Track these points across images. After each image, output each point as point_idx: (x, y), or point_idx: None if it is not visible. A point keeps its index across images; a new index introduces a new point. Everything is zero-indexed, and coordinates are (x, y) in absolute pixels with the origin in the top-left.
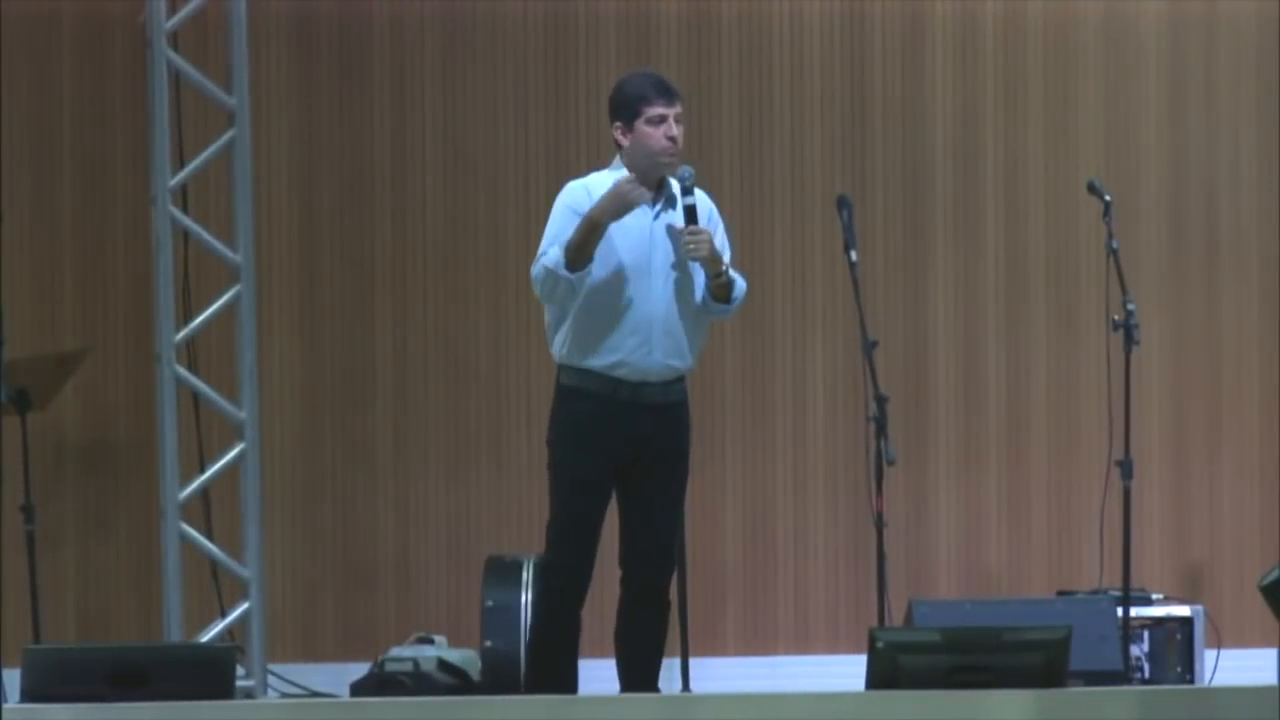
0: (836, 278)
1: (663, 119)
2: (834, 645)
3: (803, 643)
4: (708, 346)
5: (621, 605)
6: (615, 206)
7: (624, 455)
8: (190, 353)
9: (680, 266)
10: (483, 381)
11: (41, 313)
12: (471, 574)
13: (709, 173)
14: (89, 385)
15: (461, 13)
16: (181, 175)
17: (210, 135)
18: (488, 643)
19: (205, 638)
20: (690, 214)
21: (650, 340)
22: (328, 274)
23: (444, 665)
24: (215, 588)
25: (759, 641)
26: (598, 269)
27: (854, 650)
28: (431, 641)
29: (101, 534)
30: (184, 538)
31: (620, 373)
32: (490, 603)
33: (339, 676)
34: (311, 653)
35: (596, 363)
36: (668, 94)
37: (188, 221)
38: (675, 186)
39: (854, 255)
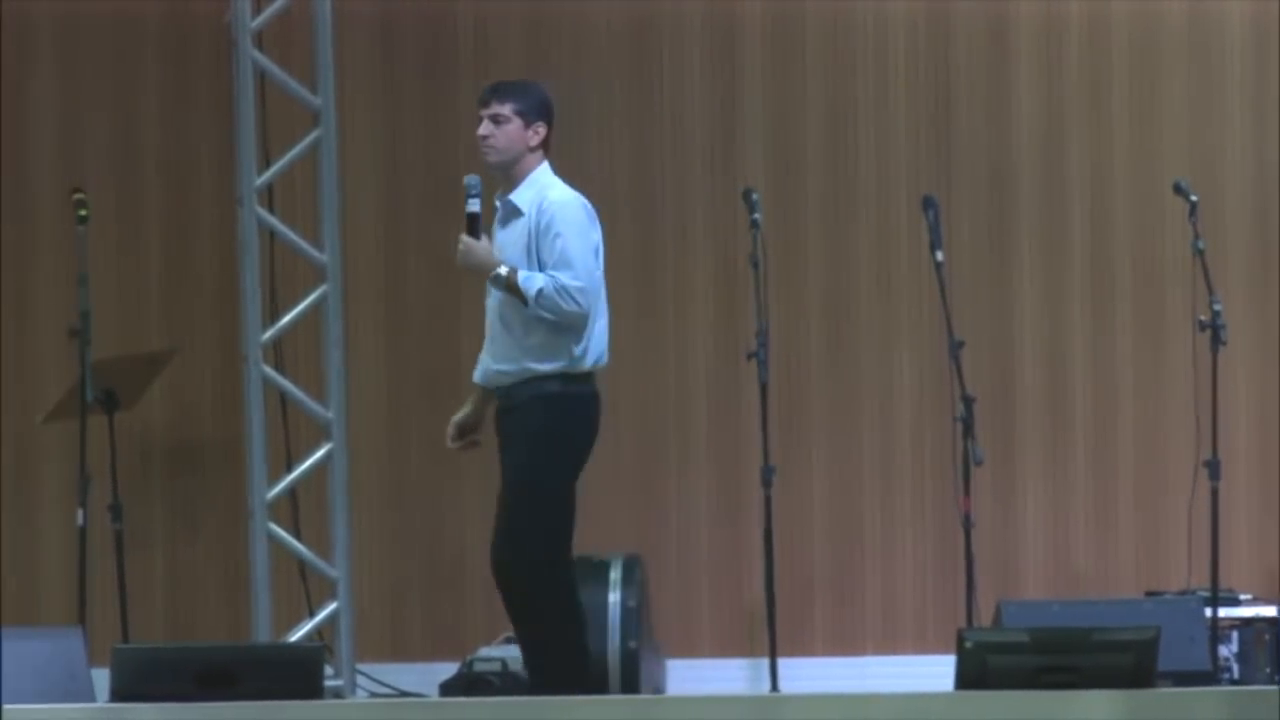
0: (922, 278)
1: (479, 120)
2: (922, 645)
3: (891, 643)
4: (793, 344)
5: None
6: None
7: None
8: (277, 352)
9: None
10: None
11: (128, 313)
12: None
13: (793, 173)
14: (176, 385)
15: (545, 12)
16: (267, 175)
17: (296, 135)
18: None
19: (293, 637)
20: (468, 222)
21: (489, 347)
22: (413, 273)
23: None
24: (303, 587)
25: (847, 642)
26: None
27: (942, 650)
28: None
29: (189, 534)
30: (272, 538)
31: (481, 380)
32: None
33: (427, 676)
34: (400, 652)
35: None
36: (485, 94)
37: (274, 221)
38: (513, 194)
39: (940, 256)
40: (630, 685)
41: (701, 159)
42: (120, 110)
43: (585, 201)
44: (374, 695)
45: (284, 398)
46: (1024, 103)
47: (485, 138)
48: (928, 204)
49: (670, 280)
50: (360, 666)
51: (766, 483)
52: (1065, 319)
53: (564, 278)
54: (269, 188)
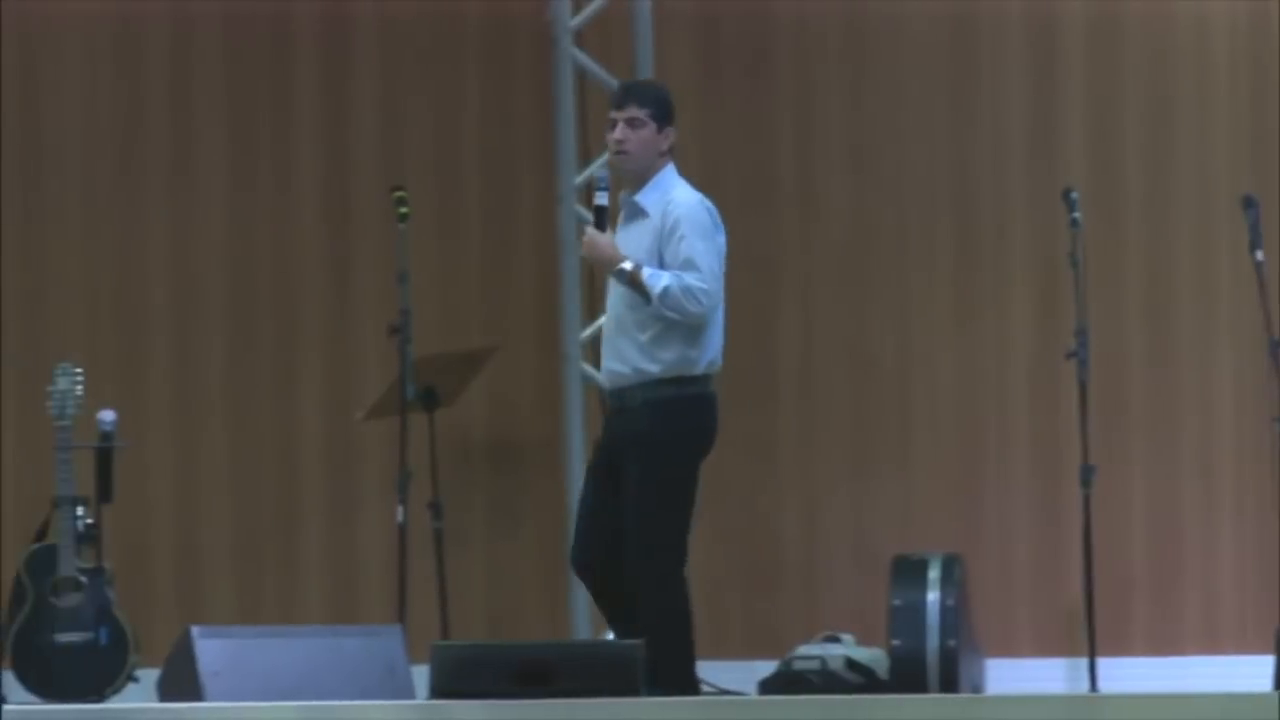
0: (1242, 278)
1: (612, 124)
2: (1243, 645)
3: (1211, 642)
4: (1112, 343)
5: None
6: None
7: (608, 461)
8: (596, 351)
9: None
10: (887, 380)
11: (448, 311)
12: (878, 573)
13: (1113, 172)
14: (495, 383)
15: (864, 11)
16: (586, 173)
17: None
18: (895, 641)
19: (612, 635)
20: (597, 214)
21: (605, 347)
22: (731, 272)
23: (851, 664)
24: None
25: (1167, 641)
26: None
27: (1263, 650)
28: (839, 640)
29: (509, 531)
30: None
31: (601, 381)
32: (897, 601)
33: (746, 674)
34: (719, 650)
35: None
36: (620, 96)
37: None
38: (638, 195)
39: (1260, 255)
40: (949, 684)
41: (1020, 158)
42: (440, 108)
43: (709, 204)
44: None
45: (602, 396)
46: None
47: (621, 142)
48: (1248, 203)
49: (990, 279)
50: None
51: (1085, 482)
52: None
53: (690, 278)
54: (588, 185)
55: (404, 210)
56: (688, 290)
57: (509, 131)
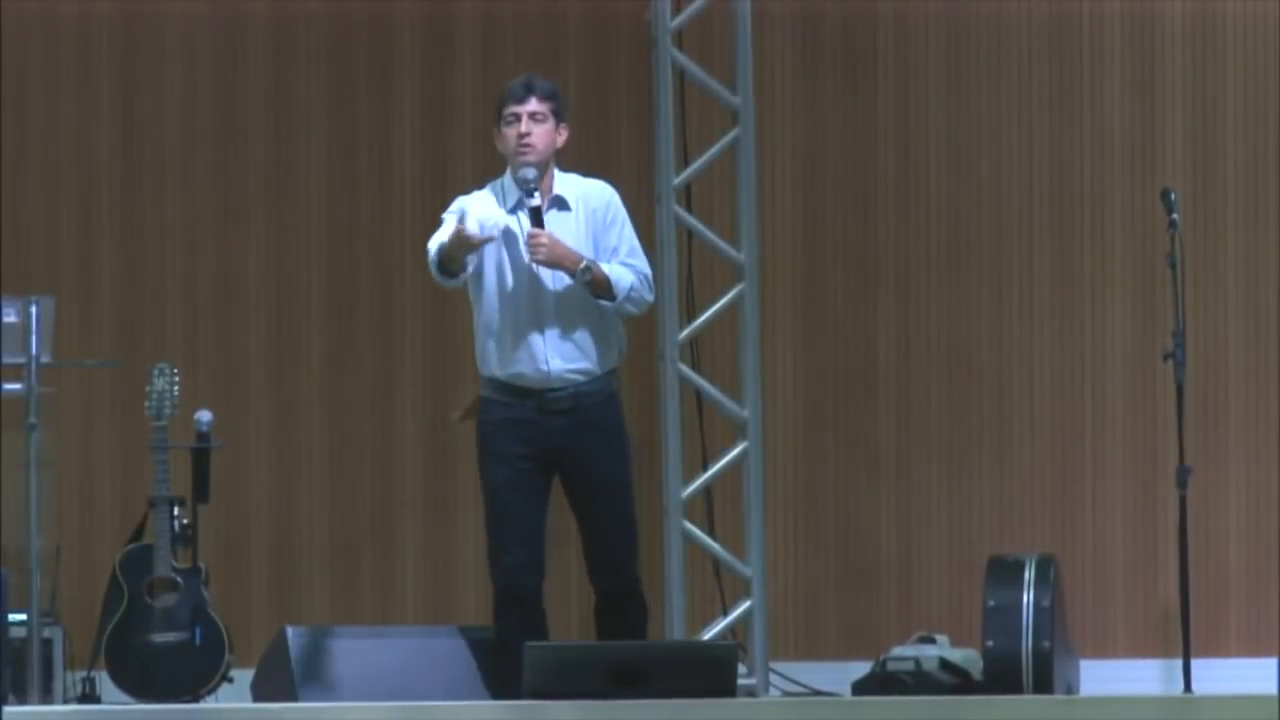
0: None
1: (515, 118)
2: None
3: None
4: (1210, 345)
5: (595, 606)
6: (456, 249)
7: (541, 462)
8: (693, 351)
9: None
10: (985, 380)
11: None
12: (973, 573)
13: (1213, 173)
14: None
15: (964, 11)
16: (686, 174)
17: (714, 134)
18: (990, 642)
19: (707, 636)
20: (534, 216)
21: (545, 349)
22: (830, 272)
23: (945, 664)
24: (717, 586)
25: (1262, 643)
26: (490, 281)
27: None
28: (933, 641)
29: None
30: (687, 536)
31: (521, 383)
32: (992, 602)
33: (841, 675)
34: (813, 651)
35: (500, 374)
36: (521, 91)
37: (691, 220)
38: (558, 191)
39: None
40: (1043, 685)
41: (1119, 159)
42: None
43: None
44: (787, 694)
45: (700, 396)
46: None
47: (525, 135)
48: None
49: (1088, 280)
50: (773, 665)
51: (1182, 483)
52: None
53: (643, 267)
54: (687, 186)
55: None
56: (647, 280)
57: (608, 131)
